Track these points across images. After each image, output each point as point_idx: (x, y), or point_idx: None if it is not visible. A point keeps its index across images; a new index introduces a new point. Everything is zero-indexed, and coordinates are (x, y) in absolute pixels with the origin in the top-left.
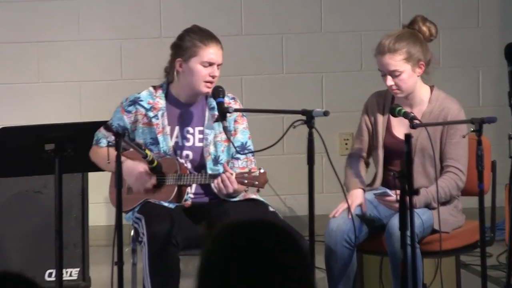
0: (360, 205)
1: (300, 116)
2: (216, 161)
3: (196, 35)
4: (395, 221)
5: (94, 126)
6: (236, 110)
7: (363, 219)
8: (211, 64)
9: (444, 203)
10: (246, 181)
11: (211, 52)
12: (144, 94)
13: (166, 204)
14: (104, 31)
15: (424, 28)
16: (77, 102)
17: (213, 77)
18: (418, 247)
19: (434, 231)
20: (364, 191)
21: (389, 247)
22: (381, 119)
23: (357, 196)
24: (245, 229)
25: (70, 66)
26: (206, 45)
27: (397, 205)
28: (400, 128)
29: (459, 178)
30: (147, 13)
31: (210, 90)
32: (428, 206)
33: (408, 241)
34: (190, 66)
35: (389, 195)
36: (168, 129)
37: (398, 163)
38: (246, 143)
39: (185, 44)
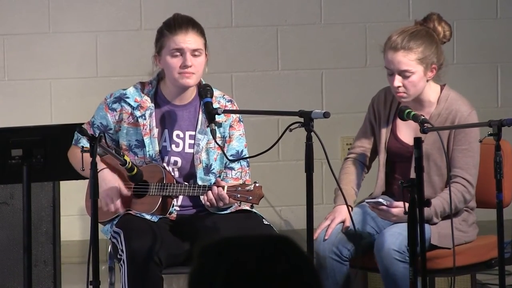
0: (343, 223)
1: (297, 118)
2: (207, 170)
3: (165, 24)
4: (383, 236)
5: (66, 129)
6: (225, 112)
7: (347, 236)
8: (180, 52)
9: (448, 216)
10: (238, 196)
11: (177, 39)
12: (131, 91)
13: (148, 217)
14: (77, 22)
15: (440, 28)
16: (47, 103)
17: (185, 66)
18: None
19: (432, 247)
20: (351, 207)
21: (379, 264)
22: (386, 119)
23: (340, 213)
24: (236, 247)
25: (39, 62)
26: (171, 33)
27: (394, 218)
28: (406, 131)
29: (466, 191)
30: (126, 3)
31: (190, 81)
32: (428, 221)
33: (399, 257)
34: (163, 60)
35: (383, 204)
36: (156, 131)
37: (402, 171)
38: (241, 151)
39: (157, 37)
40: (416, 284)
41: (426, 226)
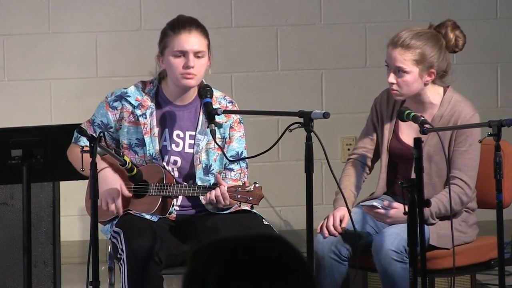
0: (341, 221)
1: (297, 119)
2: (207, 170)
3: (169, 25)
4: (381, 236)
5: (66, 130)
6: (225, 112)
7: (346, 236)
8: (183, 53)
9: (447, 217)
10: (238, 196)
11: (181, 40)
12: (132, 90)
13: (148, 216)
14: (77, 23)
15: (451, 35)
16: (47, 103)
17: (187, 67)
18: (407, 263)
19: (431, 247)
20: (350, 210)
21: (377, 264)
22: (388, 120)
23: (338, 210)
24: (228, 247)
25: (39, 63)
26: (175, 33)
27: (388, 220)
28: (408, 132)
29: (463, 192)
30: (126, 3)
31: (192, 82)
32: (425, 222)
33: (397, 257)
34: (166, 60)
35: (377, 207)
36: (156, 130)
37: (403, 172)
38: (241, 153)
39: (160, 37)
40: (416, 284)
41: (425, 227)
